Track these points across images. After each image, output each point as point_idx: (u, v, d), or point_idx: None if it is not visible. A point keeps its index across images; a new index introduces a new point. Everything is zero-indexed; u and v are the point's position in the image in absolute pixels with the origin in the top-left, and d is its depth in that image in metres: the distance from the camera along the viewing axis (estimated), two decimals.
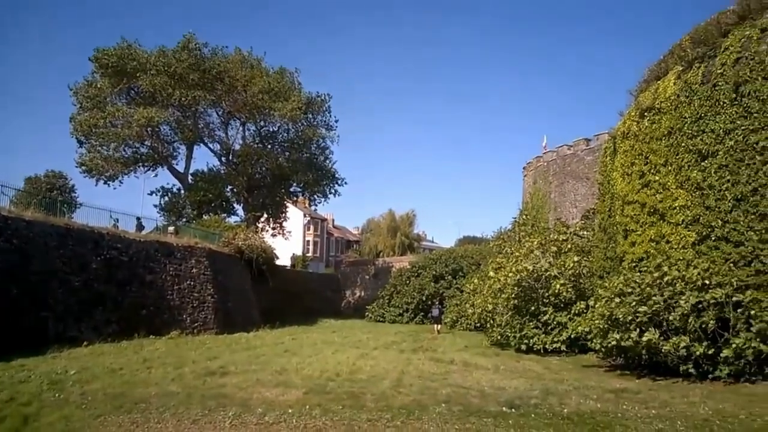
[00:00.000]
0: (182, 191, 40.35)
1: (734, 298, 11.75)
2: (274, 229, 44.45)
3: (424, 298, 37.82)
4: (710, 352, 11.88)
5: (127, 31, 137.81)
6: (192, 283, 25.13)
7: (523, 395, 11.04)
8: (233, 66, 38.19)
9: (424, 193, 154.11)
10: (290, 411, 9.68)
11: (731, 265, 12.33)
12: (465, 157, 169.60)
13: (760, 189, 12.04)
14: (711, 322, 11.82)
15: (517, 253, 21.30)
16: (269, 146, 42.26)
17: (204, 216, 37.82)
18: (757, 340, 11.34)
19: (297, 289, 43.91)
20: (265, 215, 43.73)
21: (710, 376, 12.02)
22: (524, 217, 36.19)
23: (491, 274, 21.67)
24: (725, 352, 11.59)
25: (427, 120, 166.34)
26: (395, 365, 15.12)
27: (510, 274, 19.44)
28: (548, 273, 18.87)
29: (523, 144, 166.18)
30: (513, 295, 19.45)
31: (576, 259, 19.26)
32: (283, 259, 50.54)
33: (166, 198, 40.64)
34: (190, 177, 40.52)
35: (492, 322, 21.58)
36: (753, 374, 11.73)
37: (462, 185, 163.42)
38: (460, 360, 16.46)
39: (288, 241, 51.46)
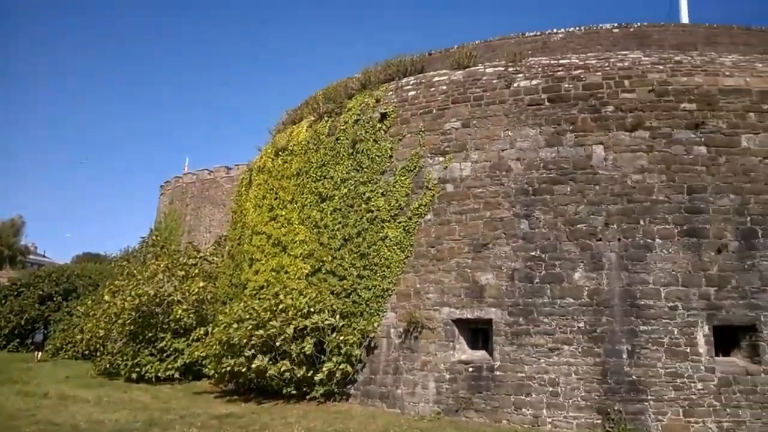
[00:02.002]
0: None
1: (331, 324, 13.30)
2: None
3: (23, 322, 32.12)
4: (309, 375, 13.16)
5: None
6: None
7: (124, 428, 10.26)
8: None
9: (41, 200, 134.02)
10: None
11: (335, 295, 14.02)
12: (99, 165, 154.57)
13: (362, 232, 14.06)
14: (309, 346, 13.11)
15: (140, 276, 20.04)
16: None
17: None
18: (345, 362, 13.09)
19: None
20: None
21: (308, 396, 13.29)
22: (155, 237, 34.60)
23: (107, 298, 19.84)
24: (319, 375, 13.01)
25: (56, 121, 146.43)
26: None
27: (129, 298, 18.12)
28: (171, 298, 18.26)
29: (168, 161, 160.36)
30: (129, 321, 18.13)
31: (202, 284, 19.13)
32: None
33: None
34: None
35: (103, 349, 19.67)
36: (340, 394, 13.44)
37: (90, 195, 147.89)
38: (56, 393, 14.43)
39: None
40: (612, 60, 13.11)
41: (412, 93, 14.49)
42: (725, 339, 11.49)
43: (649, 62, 12.95)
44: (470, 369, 12.17)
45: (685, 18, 18.29)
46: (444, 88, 14.06)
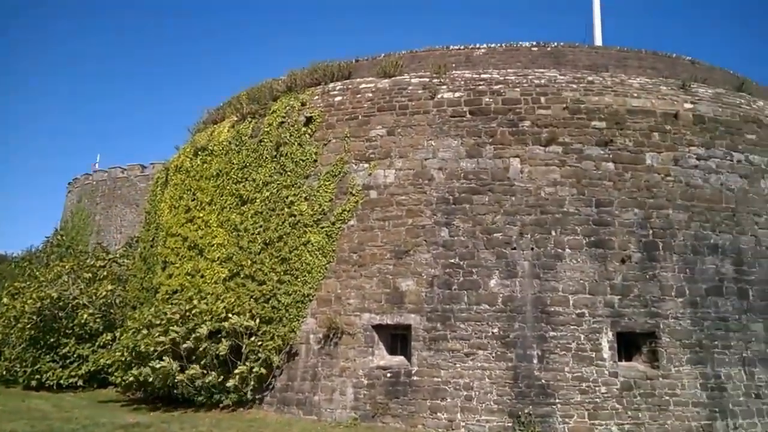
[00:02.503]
0: None
1: (248, 327, 13.00)
2: None
3: None
4: (221, 381, 12.79)
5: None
6: None
7: None
8: None
9: None
10: None
11: (253, 301, 13.73)
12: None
13: (284, 236, 13.87)
14: (224, 348, 12.72)
15: (42, 278, 18.80)
16: None
17: None
18: (261, 367, 12.82)
19: None
20: None
21: (221, 404, 12.91)
22: (60, 237, 32.57)
23: (6, 300, 18.47)
24: (232, 381, 12.67)
25: None
26: None
27: (29, 301, 16.94)
28: (77, 301, 17.25)
29: (78, 158, 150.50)
30: (30, 325, 16.96)
31: (110, 287, 18.20)
32: None
33: None
34: None
35: None
36: (256, 401, 13.16)
37: None
38: None
39: None
40: (530, 77, 13.68)
41: (338, 98, 14.49)
42: (628, 345, 12.22)
43: (564, 81, 13.61)
44: (388, 374, 12.25)
45: (598, 40, 19.40)
46: (370, 95, 14.15)
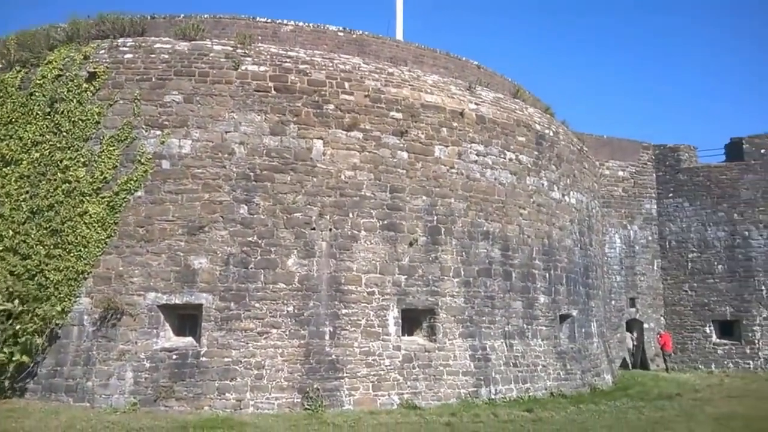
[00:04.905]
0: None
1: (6, 309, 11.30)
2: None
3: None
4: None
5: None
6: None
7: None
8: None
9: None
10: None
11: (15, 277, 11.93)
12: None
13: (56, 205, 12.28)
14: None
15: None
16: None
17: None
18: (23, 353, 11.24)
19: None
20: None
21: None
22: None
23: None
24: None
25: None
26: None
27: None
28: None
29: None
30: None
31: None
32: None
33: None
34: None
35: None
36: (15, 390, 11.51)
37: None
38: None
39: None
40: (335, 61, 13.89)
41: (129, 56, 13.13)
42: (411, 321, 13.24)
43: (367, 70, 14.08)
44: (174, 356, 11.62)
45: (399, 34, 20.44)
46: (166, 56, 13.08)
